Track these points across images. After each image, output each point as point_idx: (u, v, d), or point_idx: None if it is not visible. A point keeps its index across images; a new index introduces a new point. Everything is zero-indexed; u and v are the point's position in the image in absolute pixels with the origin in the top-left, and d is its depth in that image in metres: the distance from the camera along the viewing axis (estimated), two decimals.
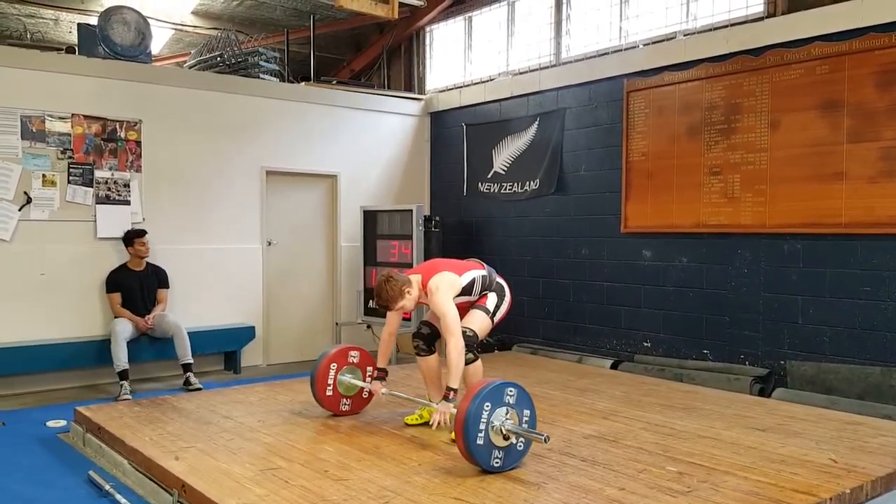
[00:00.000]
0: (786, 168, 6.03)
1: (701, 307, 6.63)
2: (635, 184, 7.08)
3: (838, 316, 5.77)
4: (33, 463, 4.62)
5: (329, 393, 4.87)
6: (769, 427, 4.72)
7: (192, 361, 6.81)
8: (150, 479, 3.99)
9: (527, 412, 3.91)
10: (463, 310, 4.53)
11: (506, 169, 8.39)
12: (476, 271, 4.64)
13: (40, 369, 6.65)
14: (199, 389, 6.49)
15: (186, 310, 7.28)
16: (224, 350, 7.76)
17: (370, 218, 8.41)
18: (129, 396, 6.21)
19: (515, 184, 8.27)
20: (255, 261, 8.04)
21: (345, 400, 4.94)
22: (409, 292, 4.46)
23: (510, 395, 3.85)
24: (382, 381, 4.75)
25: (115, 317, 6.80)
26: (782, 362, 6.07)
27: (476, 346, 4.49)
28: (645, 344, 7.05)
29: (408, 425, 4.73)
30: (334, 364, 4.87)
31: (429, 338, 4.68)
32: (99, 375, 6.90)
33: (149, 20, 7.66)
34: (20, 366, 6.50)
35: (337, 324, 8.58)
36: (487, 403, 3.74)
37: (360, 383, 4.91)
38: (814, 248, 5.92)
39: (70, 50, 7.88)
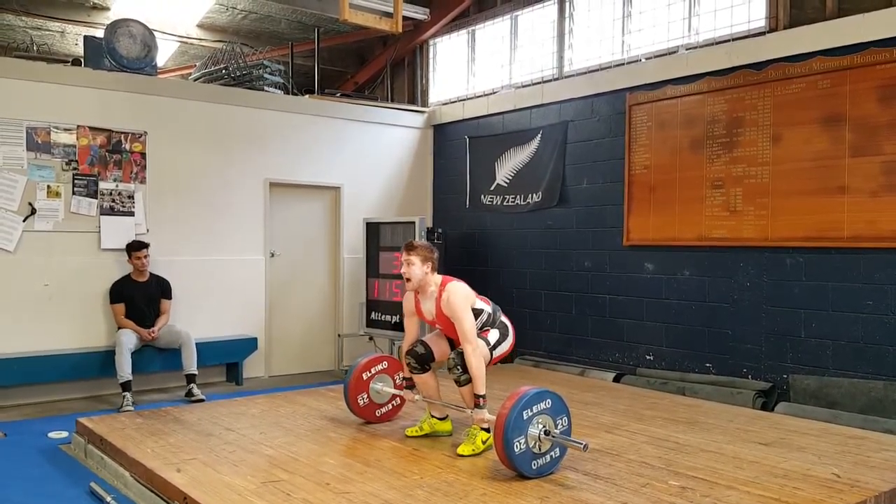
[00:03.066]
0: (788, 182, 6.04)
1: (703, 320, 6.62)
2: (637, 197, 7.09)
3: (841, 330, 5.76)
4: (35, 474, 4.62)
5: (363, 403, 5.00)
6: (772, 441, 4.71)
7: (196, 372, 6.82)
8: (152, 492, 3.99)
9: (563, 418, 4.04)
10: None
11: (508, 181, 8.41)
12: (485, 304, 4.62)
13: (43, 380, 6.65)
14: (202, 401, 6.49)
15: (189, 321, 7.28)
16: (226, 361, 7.77)
17: (373, 230, 8.43)
18: (132, 408, 6.21)
19: (518, 196, 8.28)
20: (257, 272, 8.06)
21: (380, 409, 5.08)
22: (431, 263, 4.50)
23: (547, 404, 3.98)
24: (413, 390, 4.80)
25: (119, 328, 6.81)
26: (785, 376, 6.06)
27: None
28: (647, 357, 7.04)
29: (408, 437, 4.74)
30: (366, 373, 4.99)
31: (422, 358, 4.63)
32: (102, 386, 6.91)
33: (154, 33, 7.71)
34: (23, 376, 6.51)
35: (339, 335, 8.59)
36: (527, 411, 3.87)
37: (393, 391, 5.03)
38: (816, 262, 5.92)
39: (76, 62, 7.92)
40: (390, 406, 5.15)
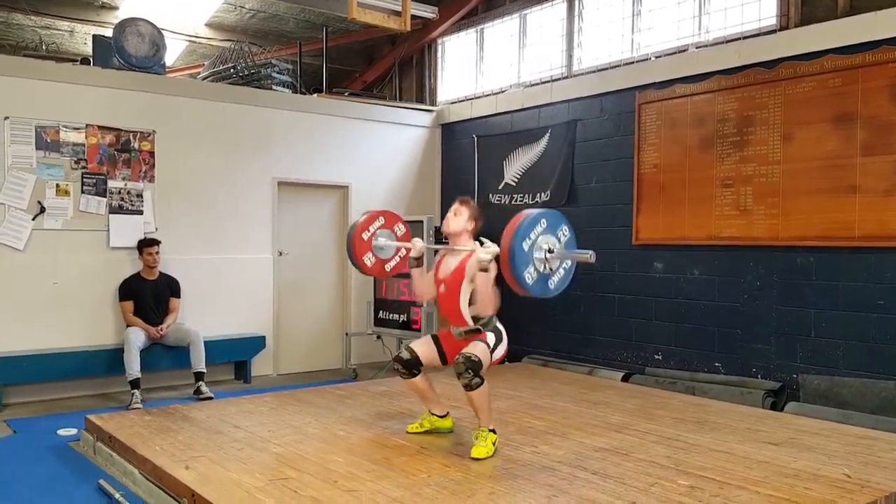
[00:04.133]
0: (799, 181, 6.01)
1: (713, 320, 6.59)
2: (647, 196, 7.07)
3: (851, 329, 5.73)
4: (44, 472, 4.63)
5: (370, 263, 4.98)
6: (782, 441, 4.68)
7: (204, 371, 6.83)
8: (161, 489, 3.99)
9: (562, 229, 4.02)
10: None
11: (517, 180, 8.39)
12: None
13: (52, 378, 6.67)
14: (210, 399, 6.50)
15: (198, 319, 7.30)
16: (235, 359, 7.77)
17: None
18: (140, 405, 6.23)
19: (526, 195, 8.27)
20: (266, 271, 8.07)
21: (388, 263, 5.07)
22: (475, 224, 4.53)
23: (563, 234, 4.00)
24: (415, 249, 4.76)
25: (128, 325, 6.83)
26: (795, 376, 6.03)
27: (480, 367, 4.23)
28: (656, 356, 7.02)
29: (413, 434, 4.74)
30: (366, 233, 4.95)
31: (408, 363, 4.56)
32: (110, 384, 6.93)
33: (163, 32, 7.72)
34: (32, 374, 6.53)
35: (347, 334, 8.59)
36: (544, 221, 3.90)
37: (396, 243, 5.02)
38: (827, 262, 5.88)
39: (85, 61, 7.95)
40: (398, 258, 5.10)
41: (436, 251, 4.93)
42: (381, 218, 5.05)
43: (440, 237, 8.17)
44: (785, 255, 6.13)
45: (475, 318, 4.40)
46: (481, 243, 4.33)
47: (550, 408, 5.64)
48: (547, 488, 3.76)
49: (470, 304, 4.40)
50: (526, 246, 3.82)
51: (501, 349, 4.47)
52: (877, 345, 5.59)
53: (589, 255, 3.90)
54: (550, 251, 3.90)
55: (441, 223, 8.72)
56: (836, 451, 4.44)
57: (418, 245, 4.74)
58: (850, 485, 3.81)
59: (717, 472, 4.01)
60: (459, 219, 4.52)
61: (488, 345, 4.34)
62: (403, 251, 5.06)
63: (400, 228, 5.09)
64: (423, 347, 4.62)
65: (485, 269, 4.16)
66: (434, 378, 4.78)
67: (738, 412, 5.56)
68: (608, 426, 5.06)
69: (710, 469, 4.07)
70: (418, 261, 4.73)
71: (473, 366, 4.18)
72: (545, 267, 3.90)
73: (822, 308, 5.90)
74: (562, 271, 4.01)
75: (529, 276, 3.83)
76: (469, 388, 4.20)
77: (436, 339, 4.66)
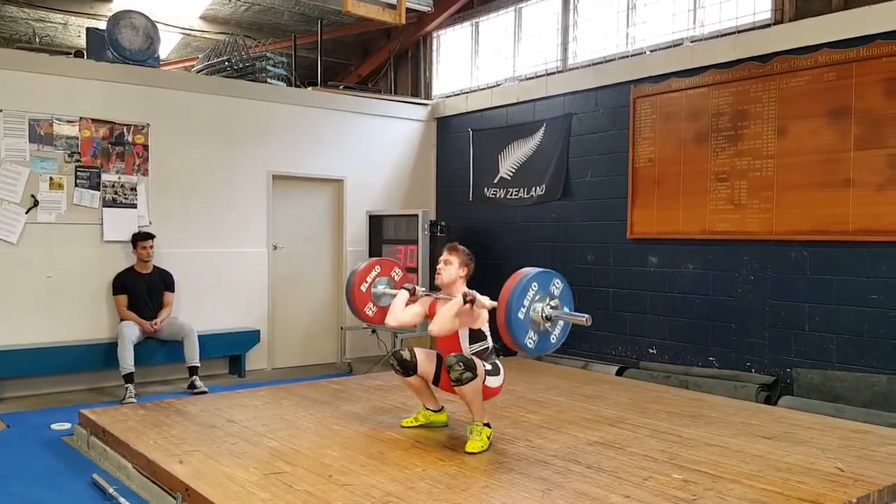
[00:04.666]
0: (793, 175, 6.01)
1: (707, 314, 6.61)
2: (641, 190, 7.07)
3: (845, 324, 5.75)
4: (37, 466, 4.62)
5: (371, 313, 5.14)
6: (775, 435, 4.70)
7: (198, 365, 6.82)
8: (155, 483, 3.99)
9: (555, 283, 4.14)
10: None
11: (512, 174, 8.39)
12: (488, 336, 4.51)
13: (45, 372, 6.66)
14: (205, 393, 6.49)
15: (192, 313, 7.28)
16: (229, 354, 7.76)
17: (376, 223, 8.40)
18: (134, 399, 6.22)
19: (521, 189, 8.26)
20: (260, 265, 8.05)
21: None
22: (467, 270, 4.57)
23: (556, 287, 4.10)
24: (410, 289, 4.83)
25: (122, 319, 6.82)
26: (789, 370, 6.05)
27: (474, 367, 4.25)
28: (651, 350, 7.03)
29: (407, 428, 4.75)
30: (364, 284, 5.09)
31: (405, 363, 4.55)
32: (104, 378, 6.91)
33: (157, 24, 7.69)
34: (25, 368, 6.52)
35: (342, 328, 8.58)
36: (535, 284, 3.99)
37: (395, 291, 5.05)
38: (821, 256, 5.90)
39: (79, 54, 7.92)
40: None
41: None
42: (378, 267, 5.19)
43: (435, 232, 8.20)
44: (779, 249, 6.14)
45: (476, 356, 4.40)
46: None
47: (545, 402, 5.65)
48: (541, 482, 3.77)
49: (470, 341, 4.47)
50: (521, 314, 3.93)
51: (498, 380, 4.48)
52: (870, 339, 5.61)
53: (585, 319, 3.98)
54: (549, 318, 4.02)
55: (435, 218, 8.77)
56: (829, 445, 4.46)
57: (418, 292, 4.81)
58: (844, 478, 3.83)
59: (711, 466, 4.02)
60: (451, 268, 4.54)
61: (485, 366, 4.36)
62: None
63: (397, 273, 5.20)
64: (425, 359, 4.59)
65: (472, 300, 4.27)
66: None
67: (731, 406, 5.58)
68: (602, 420, 5.07)
69: (703, 463, 4.08)
70: (411, 293, 4.79)
71: (466, 361, 4.21)
72: (544, 328, 4.03)
73: (815, 302, 5.92)
74: (560, 324, 4.14)
75: (531, 341, 3.99)
76: (459, 382, 4.21)
77: (440, 358, 4.58)
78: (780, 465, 4.04)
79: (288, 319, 8.34)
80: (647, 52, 7.19)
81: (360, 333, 8.53)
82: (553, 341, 4.13)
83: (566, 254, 7.78)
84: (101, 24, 8.10)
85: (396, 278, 5.19)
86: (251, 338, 7.78)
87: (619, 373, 6.98)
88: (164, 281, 7.10)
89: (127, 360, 6.50)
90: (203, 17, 9.94)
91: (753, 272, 6.30)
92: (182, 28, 9.90)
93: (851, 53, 5.69)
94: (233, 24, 10.01)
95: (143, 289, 6.94)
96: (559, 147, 7.84)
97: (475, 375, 4.22)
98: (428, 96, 9.73)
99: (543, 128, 8.04)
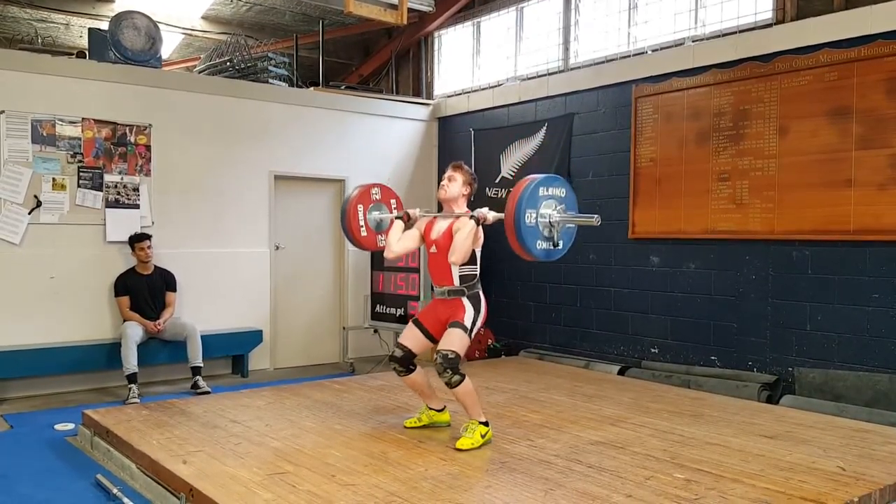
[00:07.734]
0: (794, 174, 6.02)
1: (709, 313, 6.61)
2: (643, 189, 7.08)
3: (847, 323, 5.75)
4: (41, 466, 4.64)
5: (364, 234, 5.05)
6: (777, 434, 4.70)
7: (201, 365, 6.84)
8: (158, 483, 4.00)
9: (559, 188, 4.14)
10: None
11: (514, 174, 8.39)
12: (477, 265, 4.58)
13: (49, 372, 6.68)
14: (208, 393, 6.51)
15: (195, 313, 7.30)
16: (232, 354, 7.78)
17: None
18: (138, 400, 6.23)
19: None
20: (263, 265, 8.06)
21: (381, 237, 5.10)
22: (470, 188, 4.59)
23: (561, 191, 4.11)
24: (409, 217, 4.81)
25: (125, 320, 6.83)
26: (790, 369, 6.05)
27: (460, 367, 4.33)
28: (652, 350, 7.03)
29: (407, 428, 4.76)
30: (360, 206, 5.02)
31: (403, 360, 4.59)
32: (108, 378, 6.93)
33: (159, 25, 7.70)
34: (29, 369, 6.53)
35: (344, 328, 8.60)
36: (542, 189, 4.00)
37: (390, 215, 5.05)
38: (822, 255, 5.90)
39: (81, 54, 7.92)
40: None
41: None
42: (377, 190, 5.13)
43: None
44: (780, 248, 6.14)
45: (462, 279, 4.45)
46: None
47: (546, 401, 5.66)
48: (543, 482, 3.78)
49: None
50: (530, 218, 3.93)
51: (479, 321, 4.52)
52: (872, 338, 5.61)
53: (595, 219, 4.00)
54: (555, 221, 4.01)
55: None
56: (831, 444, 4.47)
57: (416, 212, 4.80)
58: (845, 478, 3.84)
59: (713, 466, 4.03)
60: (455, 185, 4.58)
61: (465, 328, 4.40)
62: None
63: (394, 205, 5.15)
64: (410, 336, 4.64)
65: (483, 220, 4.29)
66: (431, 373, 4.79)
67: (733, 405, 5.58)
68: (604, 419, 5.08)
69: (705, 462, 4.09)
70: (407, 219, 4.78)
71: (450, 364, 4.27)
72: (552, 232, 4.04)
73: (817, 301, 5.92)
74: (566, 235, 4.16)
75: (539, 244, 4.00)
76: (450, 385, 4.32)
77: (417, 322, 4.68)
78: (782, 465, 4.05)
79: (290, 319, 8.35)
80: (649, 52, 7.20)
81: (361, 333, 8.54)
82: (561, 247, 4.12)
83: (568, 253, 7.71)
84: (103, 25, 8.12)
85: (393, 206, 5.12)
86: (254, 338, 7.80)
87: (621, 372, 6.98)
88: (165, 281, 7.11)
89: (130, 361, 6.51)
90: (205, 18, 9.95)
91: (755, 272, 6.30)
92: (184, 28, 9.92)
93: (853, 53, 5.69)
94: (234, 25, 10.02)
95: (144, 289, 6.95)
96: (561, 147, 7.84)
97: (463, 377, 4.31)
98: (429, 96, 9.73)
99: (545, 127, 8.04)
